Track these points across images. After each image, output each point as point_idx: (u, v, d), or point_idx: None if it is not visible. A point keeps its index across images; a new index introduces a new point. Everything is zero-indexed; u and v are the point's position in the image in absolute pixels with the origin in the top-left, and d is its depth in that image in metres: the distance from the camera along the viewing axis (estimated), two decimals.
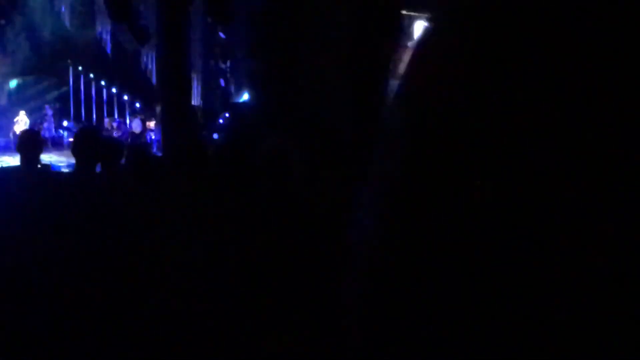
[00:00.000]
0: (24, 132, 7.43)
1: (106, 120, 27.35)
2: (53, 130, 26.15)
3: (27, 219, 5.37)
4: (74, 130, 26.33)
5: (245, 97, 25.57)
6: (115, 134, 24.21)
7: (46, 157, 6.80)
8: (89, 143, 6.23)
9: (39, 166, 7.00)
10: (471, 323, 0.53)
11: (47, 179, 6.62)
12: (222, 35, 26.52)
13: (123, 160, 7.41)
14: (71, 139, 23.40)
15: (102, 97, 28.31)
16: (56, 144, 24.23)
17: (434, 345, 0.58)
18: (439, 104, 0.52)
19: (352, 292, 0.65)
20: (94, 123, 27.61)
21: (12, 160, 19.46)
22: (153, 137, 23.21)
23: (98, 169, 6.52)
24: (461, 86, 0.50)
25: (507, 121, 0.49)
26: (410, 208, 0.55)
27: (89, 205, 5.61)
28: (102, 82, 28.01)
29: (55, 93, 28.87)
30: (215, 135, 21.93)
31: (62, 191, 6.03)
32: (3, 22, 28.53)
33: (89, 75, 28.33)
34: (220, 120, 25.18)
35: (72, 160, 6.53)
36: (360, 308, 0.64)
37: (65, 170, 14.29)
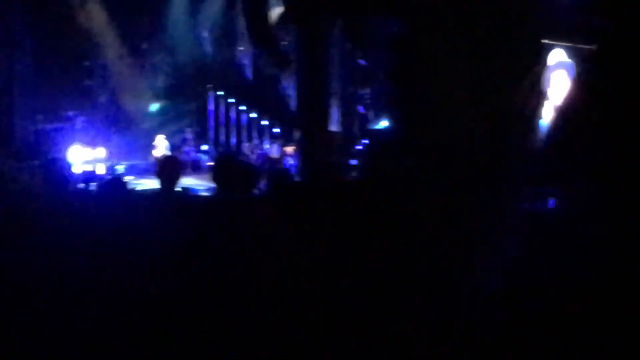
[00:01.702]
0: (164, 157, 7.41)
1: (244, 145, 27.54)
2: (192, 154, 26.48)
3: (167, 241, 5.28)
4: (213, 154, 26.67)
5: (383, 123, 25.38)
6: (252, 158, 24.34)
7: (185, 180, 6.73)
8: (228, 168, 6.16)
9: (178, 189, 6.93)
10: None
11: (186, 202, 6.58)
12: (361, 61, 26.42)
13: (263, 184, 7.33)
14: (210, 163, 23.66)
15: (241, 121, 28.51)
16: (195, 168, 24.50)
17: None
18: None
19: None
20: (233, 147, 27.87)
21: (152, 183, 19.76)
22: (291, 162, 23.22)
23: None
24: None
25: None
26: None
27: (230, 228, 5.49)
28: (242, 107, 28.22)
29: (195, 117, 29.25)
30: (353, 161, 21.76)
31: (202, 214, 5.95)
32: (145, 45, 29.15)
33: (228, 100, 28.60)
34: (359, 147, 25.03)
35: (211, 184, 6.45)
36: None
37: (204, 193, 14.34)
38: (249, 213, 5.87)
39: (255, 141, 27.63)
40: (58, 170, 5.83)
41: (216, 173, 6.12)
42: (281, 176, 6.71)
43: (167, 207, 6.11)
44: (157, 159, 24.28)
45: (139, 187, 16.28)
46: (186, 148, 26.44)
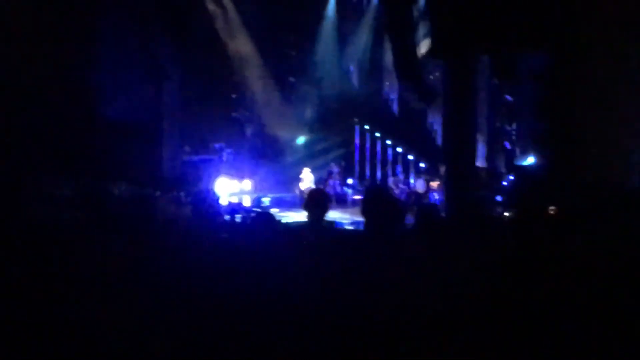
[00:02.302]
0: (313, 191, 7.36)
1: (390, 179, 27.47)
2: (338, 187, 26.56)
3: (319, 275, 5.22)
4: (358, 188, 26.69)
5: (530, 160, 24.97)
6: (397, 192, 24.23)
7: (330, 214, 6.67)
8: (378, 202, 6.06)
9: (326, 222, 6.88)
10: None
11: (336, 236, 6.53)
12: (508, 97, 26.12)
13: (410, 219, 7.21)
14: (355, 197, 23.64)
15: (387, 156, 28.47)
16: (340, 201, 24.54)
17: None
18: None
19: None
20: (378, 181, 27.84)
21: (297, 216, 19.86)
22: (436, 197, 23.03)
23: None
24: None
25: None
26: None
27: (380, 263, 5.39)
28: (387, 141, 28.19)
29: (340, 151, 29.36)
30: (498, 197, 21.46)
31: (352, 248, 5.87)
32: (293, 79, 29.50)
33: (374, 134, 28.63)
34: (504, 183, 24.68)
35: (356, 218, 6.38)
36: None
37: (349, 227, 14.29)
38: (400, 248, 5.75)
39: (400, 175, 27.55)
40: (208, 203, 5.85)
41: (366, 206, 6.02)
42: (430, 212, 6.55)
43: (317, 240, 6.06)
44: (303, 191, 24.47)
45: (284, 220, 16.41)
46: (331, 181, 26.54)
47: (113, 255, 5.05)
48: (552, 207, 7.00)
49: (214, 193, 10.54)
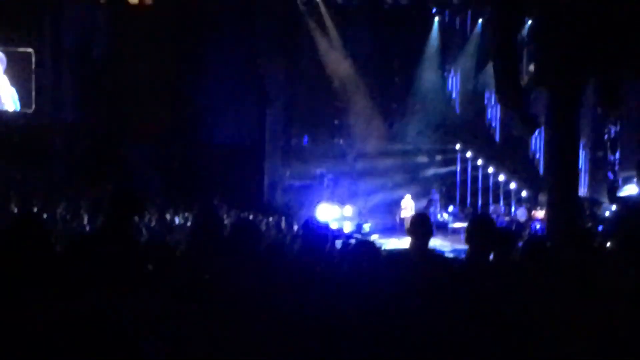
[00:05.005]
0: (417, 215, 7.38)
1: (492, 207, 27.27)
2: (438, 214, 26.48)
3: (418, 302, 5.27)
4: (459, 216, 26.56)
5: (633, 190, 24.59)
6: (497, 221, 24.04)
7: (430, 242, 6.69)
8: (484, 231, 6.06)
9: (430, 249, 6.90)
10: None
11: (437, 265, 6.54)
12: (611, 126, 25.80)
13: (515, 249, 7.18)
14: (456, 224, 23.52)
15: (488, 183, 28.25)
16: (440, 229, 24.42)
17: None
18: None
19: None
20: (479, 209, 27.61)
21: (398, 242, 19.87)
22: (538, 226, 22.74)
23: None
24: None
25: None
26: None
27: (482, 292, 5.41)
28: (490, 169, 28.00)
29: (441, 178, 29.26)
30: (599, 228, 21.17)
31: (453, 277, 5.90)
32: (395, 105, 29.55)
33: (476, 161, 28.47)
34: (607, 213, 24.35)
35: (456, 246, 6.40)
36: None
37: (449, 255, 14.26)
38: (507, 278, 5.76)
39: (501, 204, 27.35)
40: (317, 230, 5.94)
41: (471, 236, 6.03)
42: (537, 243, 6.51)
43: (423, 270, 6.09)
44: (404, 219, 24.45)
45: (385, 247, 16.45)
46: (432, 209, 26.47)
47: (226, 280, 5.18)
48: None
49: (324, 221, 10.61)
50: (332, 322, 4.89)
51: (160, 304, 4.66)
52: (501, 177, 27.73)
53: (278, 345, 4.64)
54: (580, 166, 22.31)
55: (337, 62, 28.13)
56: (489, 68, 24.96)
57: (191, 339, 4.55)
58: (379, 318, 4.96)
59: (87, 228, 18.36)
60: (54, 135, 25.27)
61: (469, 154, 28.80)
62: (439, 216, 26.39)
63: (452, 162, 29.37)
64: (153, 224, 19.65)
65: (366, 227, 24.88)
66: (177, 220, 20.82)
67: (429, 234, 6.71)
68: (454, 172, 29.29)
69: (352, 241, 16.94)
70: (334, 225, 21.75)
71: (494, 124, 30.01)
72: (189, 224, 19.48)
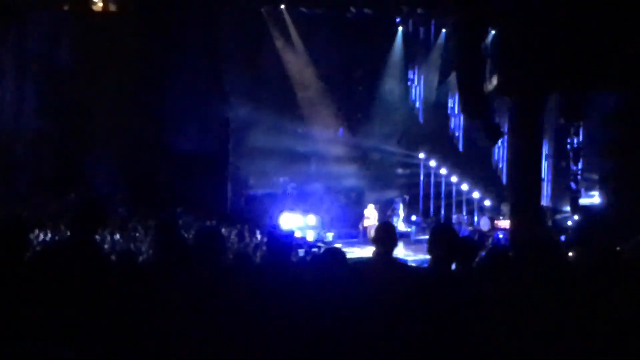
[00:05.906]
0: (382, 226, 7.36)
1: (455, 216, 27.36)
2: (401, 223, 26.50)
3: (382, 310, 5.28)
4: (422, 225, 26.62)
5: (595, 199, 24.79)
6: (459, 230, 24.10)
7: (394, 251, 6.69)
8: (446, 241, 6.08)
9: (394, 258, 6.92)
10: None
11: (401, 273, 6.54)
12: (574, 137, 26.00)
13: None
14: (419, 236, 23.48)
15: (451, 192, 28.36)
16: (403, 237, 24.42)
17: None
18: None
19: None
20: (442, 219, 27.69)
21: (361, 252, 19.83)
22: (500, 236, 22.80)
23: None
24: None
25: None
26: None
27: (444, 301, 5.44)
28: (453, 178, 28.11)
29: (404, 187, 29.32)
30: (562, 237, 21.30)
31: (416, 286, 5.91)
32: (359, 114, 29.62)
33: (439, 170, 28.58)
34: (569, 222, 24.51)
35: (419, 255, 6.41)
36: None
37: (412, 264, 14.29)
38: (469, 288, 5.79)
39: (464, 213, 27.45)
40: (281, 239, 5.92)
41: (433, 245, 6.04)
42: (500, 253, 6.54)
43: (387, 279, 6.10)
44: (367, 228, 24.48)
45: (348, 255, 16.42)
46: (395, 218, 26.48)
47: (188, 288, 5.16)
48: (618, 248, 6.98)
49: (289, 229, 10.61)
50: (298, 329, 4.89)
51: (127, 314, 4.65)
52: (464, 187, 27.84)
53: (244, 354, 4.64)
54: (543, 176, 22.43)
55: (301, 71, 28.17)
56: (453, 78, 25.12)
57: (157, 348, 4.53)
58: (344, 325, 4.98)
59: (50, 238, 18.18)
60: (16, 144, 25.01)
61: (432, 163, 28.90)
62: (402, 225, 26.37)
63: (416, 171, 29.43)
64: (116, 235, 19.52)
65: (329, 235, 24.89)
66: (139, 229, 20.68)
67: (393, 243, 6.71)
68: (417, 182, 29.36)
69: (320, 248, 16.95)
70: (297, 234, 21.71)
71: (457, 134, 30.17)
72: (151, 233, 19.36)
